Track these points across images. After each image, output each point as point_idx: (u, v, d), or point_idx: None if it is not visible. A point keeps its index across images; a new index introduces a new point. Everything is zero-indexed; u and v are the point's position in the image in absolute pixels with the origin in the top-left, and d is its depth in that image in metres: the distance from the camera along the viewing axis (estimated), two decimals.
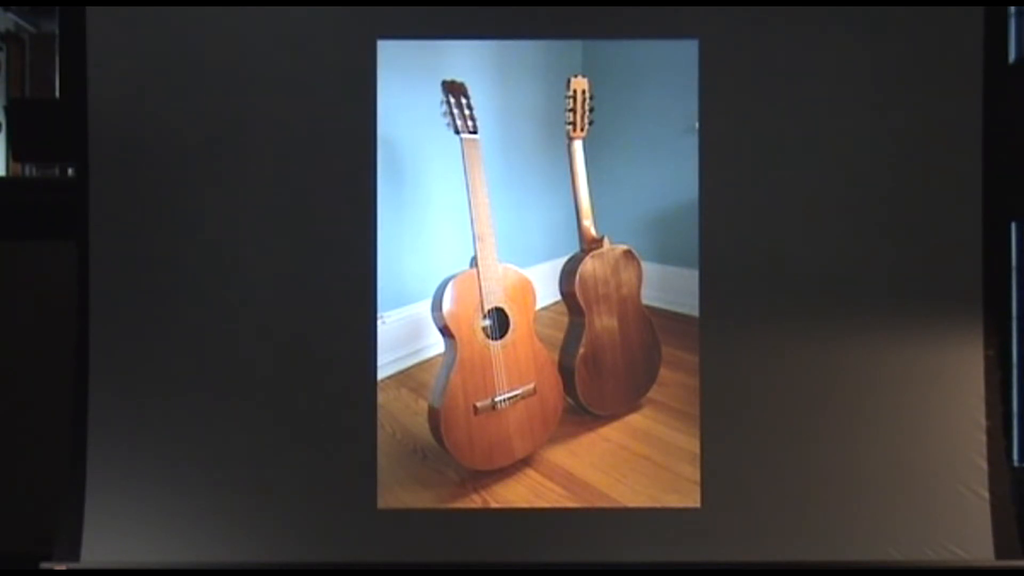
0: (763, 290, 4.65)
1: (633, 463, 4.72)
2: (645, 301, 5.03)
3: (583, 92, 4.77)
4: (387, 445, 4.66)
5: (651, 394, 5.08)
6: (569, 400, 4.84)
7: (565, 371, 4.81)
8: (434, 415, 4.46)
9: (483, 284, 4.47)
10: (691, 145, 4.70)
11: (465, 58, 4.80)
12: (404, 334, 5.17)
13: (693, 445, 4.66)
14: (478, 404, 4.48)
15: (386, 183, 4.69)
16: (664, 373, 5.06)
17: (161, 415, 4.58)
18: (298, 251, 4.64)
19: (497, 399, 4.52)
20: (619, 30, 4.73)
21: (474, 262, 4.47)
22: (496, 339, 4.52)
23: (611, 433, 4.91)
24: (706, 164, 4.67)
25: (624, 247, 4.93)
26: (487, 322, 4.50)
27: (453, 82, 4.49)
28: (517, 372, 4.58)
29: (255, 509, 4.56)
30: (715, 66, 4.66)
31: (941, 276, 4.64)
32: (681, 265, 4.78)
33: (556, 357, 4.83)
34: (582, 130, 4.79)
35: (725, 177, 4.66)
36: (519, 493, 4.59)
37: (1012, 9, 5.11)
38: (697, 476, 4.62)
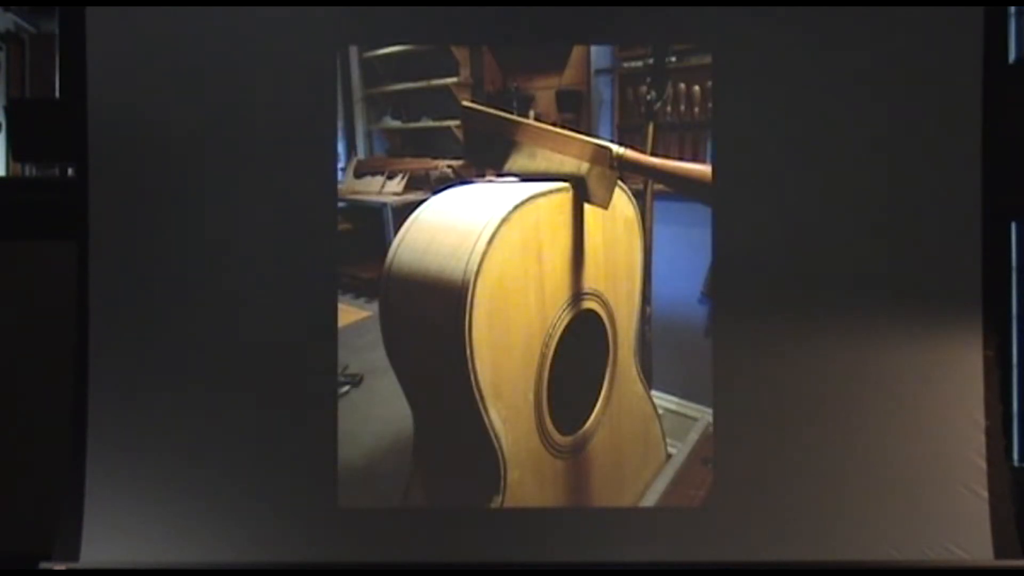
0: (763, 291, 4.65)
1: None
2: None
3: None
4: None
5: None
6: None
7: None
8: None
9: None
10: None
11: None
12: None
13: None
14: None
15: None
16: None
17: (161, 415, 4.58)
18: (298, 251, 4.64)
19: None
20: (626, 36, 4.73)
21: None
22: None
23: None
24: (715, 165, 4.67)
25: None
26: None
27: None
28: None
29: (257, 509, 4.56)
30: (724, 70, 4.65)
31: (941, 276, 4.64)
32: None
33: None
34: None
35: (725, 177, 4.65)
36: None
37: (1012, 9, 5.10)
38: None
